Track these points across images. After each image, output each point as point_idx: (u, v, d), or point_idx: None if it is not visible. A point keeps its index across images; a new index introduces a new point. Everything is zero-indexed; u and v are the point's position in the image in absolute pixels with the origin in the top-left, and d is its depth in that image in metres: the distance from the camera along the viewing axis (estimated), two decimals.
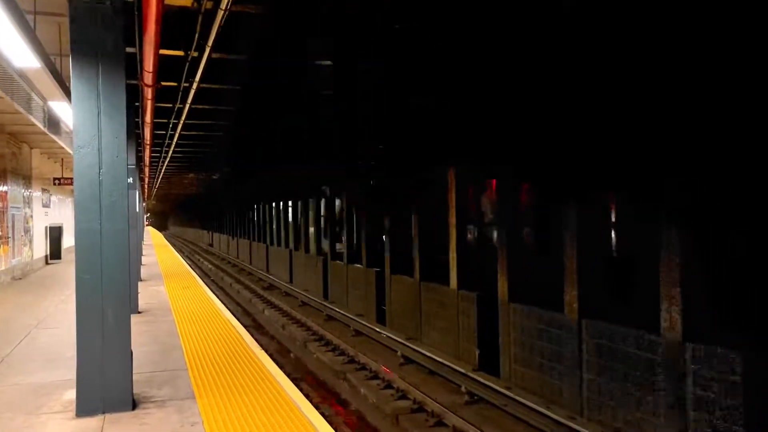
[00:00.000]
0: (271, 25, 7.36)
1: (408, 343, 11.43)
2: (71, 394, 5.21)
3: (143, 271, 16.99)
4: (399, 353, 11.30)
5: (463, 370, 9.43)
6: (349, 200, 17.73)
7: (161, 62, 7.03)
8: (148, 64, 6.72)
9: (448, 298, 11.05)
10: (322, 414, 5.43)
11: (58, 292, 12.85)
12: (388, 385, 9.53)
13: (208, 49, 6.93)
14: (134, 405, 5.22)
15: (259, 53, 8.19)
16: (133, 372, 5.28)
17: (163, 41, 6.13)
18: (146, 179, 26.26)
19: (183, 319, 9.69)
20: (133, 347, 5.25)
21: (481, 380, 8.94)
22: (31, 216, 17.84)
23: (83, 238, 5.00)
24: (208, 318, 9.77)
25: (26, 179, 17.05)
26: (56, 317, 9.92)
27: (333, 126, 13.67)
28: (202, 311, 10.48)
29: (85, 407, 4.99)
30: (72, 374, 5.04)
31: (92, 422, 4.86)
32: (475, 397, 8.71)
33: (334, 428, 4.91)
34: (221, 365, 6.68)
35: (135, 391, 5.35)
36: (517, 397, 8.13)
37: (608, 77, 7.13)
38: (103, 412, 5.00)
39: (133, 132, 11.93)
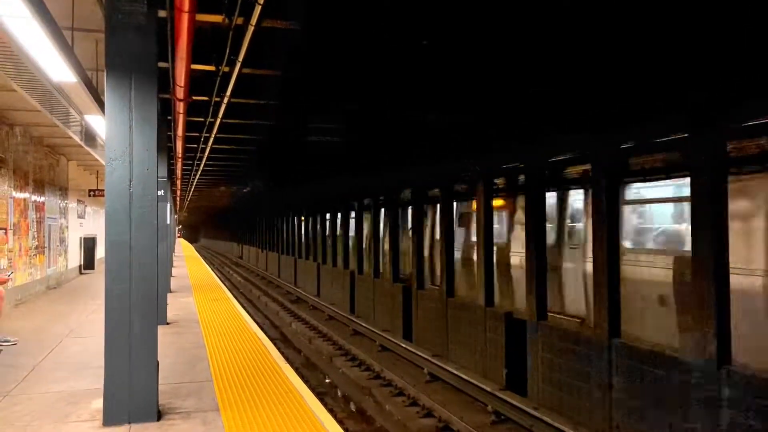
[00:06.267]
0: (303, 40, 7.39)
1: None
2: (99, 403, 5.25)
3: (173, 283, 17.19)
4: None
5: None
6: (376, 215, 17.74)
7: (192, 77, 7.15)
8: (180, 78, 6.84)
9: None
10: (346, 430, 5.38)
11: (90, 302, 13.06)
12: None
13: (238, 65, 7.02)
14: (159, 416, 5.24)
15: (291, 68, 8.24)
16: (159, 383, 5.31)
17: (194, 56, 6.24)
18: (178, 192, 26.66)
19: (210, 331, 9.76)
20: (159, 358, 5.28)
21: None
22: (67, 226, 18.22)
23: (113, 250, 5.07)
24: (235, 330, 9.82)
25: (63, 190, 17.46)
26: (87, 327, 10.08)
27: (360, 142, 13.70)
28: (230, 323, 10.54)
29: (111, 417, 5.04)
30: (100, 383, 5.10)
31: None
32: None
33: None
34: (246, 378, 6.69)
35: (160, 402, 5.38)
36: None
37: None
38: (129, 422, 5.05)
39: (165, 145, 12.13)
